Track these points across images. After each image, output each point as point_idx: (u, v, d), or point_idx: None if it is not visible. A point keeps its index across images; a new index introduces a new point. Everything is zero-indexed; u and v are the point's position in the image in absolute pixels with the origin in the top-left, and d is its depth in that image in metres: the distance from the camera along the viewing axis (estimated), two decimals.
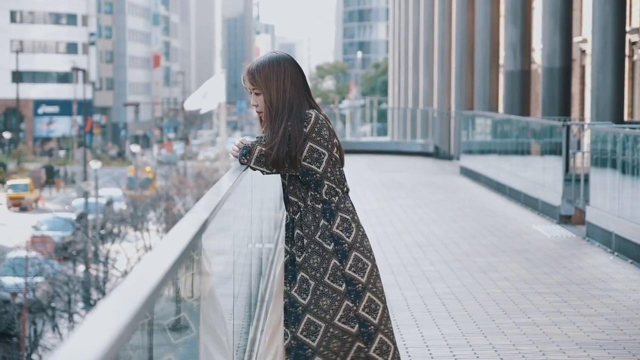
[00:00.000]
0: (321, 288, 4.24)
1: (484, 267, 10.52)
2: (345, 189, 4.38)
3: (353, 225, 4.32)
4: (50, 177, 71.46)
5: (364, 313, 4.26)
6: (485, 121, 21.87)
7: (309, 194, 4.32)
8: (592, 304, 8.64)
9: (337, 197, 4.33)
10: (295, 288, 4.29)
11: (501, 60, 26.68)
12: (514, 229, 13.70)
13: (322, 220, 4.28)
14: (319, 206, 4.30)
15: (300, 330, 4.24)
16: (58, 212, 52.26)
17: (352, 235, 4.29)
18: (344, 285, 4.25)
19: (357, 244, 4.30)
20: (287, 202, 4.42)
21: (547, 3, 20.27)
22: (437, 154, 29.74)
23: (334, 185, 4.33)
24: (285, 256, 4.40)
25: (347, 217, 4.31)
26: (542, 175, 15.96)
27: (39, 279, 31.36)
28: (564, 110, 20.37)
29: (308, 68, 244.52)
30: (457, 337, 7.44)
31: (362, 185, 19.49)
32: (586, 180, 13.94)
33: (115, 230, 41.84)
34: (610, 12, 17.39)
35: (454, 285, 9.51)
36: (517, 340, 7.34)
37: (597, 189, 12.72)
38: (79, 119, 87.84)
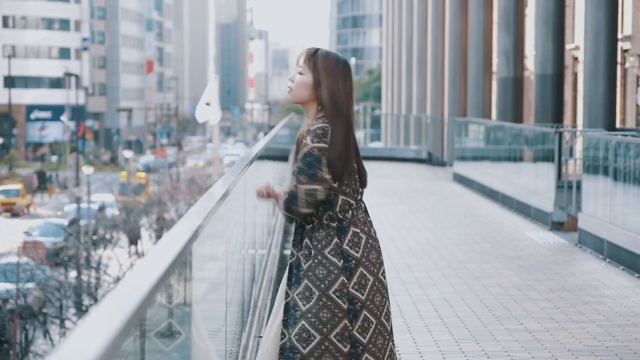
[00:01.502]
0: (324, 300, 4.22)
1: (477, 274, 10.52)
2: (359, 197, 4.35)
3: (363, 237, 4.29)
4: (42, 183, 71.32)
5: (356, 334, 4.24)
6: (478, 128, 21.91)
7: (326, 211, 4.28)
8: (584, 310, 8.65)
9: (350, 212, 4.30)
10: (298, 292, 4.26)
11: (494, 67, 26.73)
12: (507, 236, 13.71)
13: (335, 239, 4.27)
14: (334, 224, 4.29)
15: (294, 334, 4.23)
16: (50, 217, 52.14)
17: (360, 250, 4.27)
18: (347, 303, 4.24)
19: (364, 259, 4.27)
20: None
21: (540, 10, 20.32)
22: (430, 160, 29.76)
23: (348, 198, 4.31)
24: (290, 258, 4.37)
25: (358, 230, 4.28)
26: (534, 181, 15.98)
27: (30, 285, 31.27)
28: (557, 117, 20.41)
29: None
30: (449, 344, 7.44)
31: None
32: (578, 187, 13.97)
33: (108, 236, 41.77)
34: (602, 20, 17.44)
35: (447, 292, 9.51)
36: (509, 347, 7.34)
37: (589, 195, 12.74)
38: (72, 125, 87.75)
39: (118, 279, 33.21)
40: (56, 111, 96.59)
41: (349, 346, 4.22)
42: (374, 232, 4.36)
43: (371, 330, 4.25)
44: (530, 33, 26.00)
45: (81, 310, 31.99)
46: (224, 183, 4.81)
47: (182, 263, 2.93)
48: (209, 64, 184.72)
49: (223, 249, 4.63)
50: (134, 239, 42.37)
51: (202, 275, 3.80)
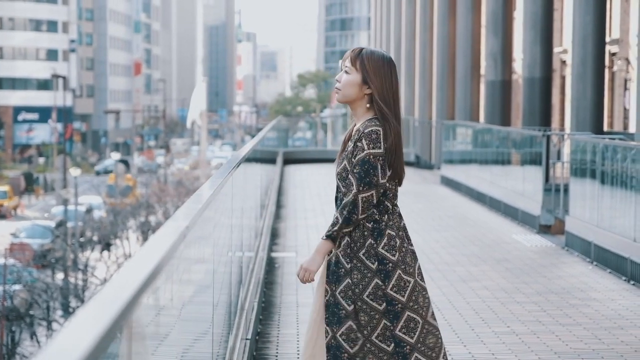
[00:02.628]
0: (359, 304, 4.25)
1: (464, 277, 10.53)
2: (396, 200, 4.38)
3: (398, 242, 4.32)
4: (30, 184, 71.13)
5: (400, 333, 4.26)
6: (466, 131, 21.94)
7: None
8: (571, 313, 8.67)
9: (386, 215, 4.32)
10: (340, 291, 4.28)
11: (482, 70, 26.77)
12: (494, 239, 13.73)
13: (370, 239, 4.28)
14: (370, 225, 4.29)
15: (340, 333, 4.26)
16: (37, 219, 52.00)
17: (397, 254, 4.29)
18: (384, 304, 4.26)
19: (401, 263, 4.30)
20: (340, 204, 4.36)
21: (528, 14, 20.37)
22: (418, 163, 29.79)
23: (387, 202, 4.34)
24: (328, 255, 4.36)
25: (394, 233, 4.31)
26: (522, 185, 16.01)
27: (17, 287, 31.17)
28: (544, 120, 20.46)
29: (290, 77, 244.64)
30: None
31: None
32: (566, 190, 14.00)
33: (95, 238, 41.67)
34: (590, 23, 17.49)
35: (434, 295, 9.52)
36: (496, 350, 7.35)
37: (576, 199, 12.77)
38: (59, 126, 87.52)
39: (105, 281, 33.14)
40: (44, 113, 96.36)
41: (392, 345, 4.25)
42: (408, 236, 4.40)
43: (418, 329, 4.29)
44: (519, 36, 26.06)
45: (68, 312, 31.91)
46: (212, 185, 4.80)
47: (169, 265, 2.93)
48: (196, 66, 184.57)
49: (210, 251, 4.62)
50: (106, 245, 41.90)
51: (189, 278, 3.79)
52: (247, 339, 6.68)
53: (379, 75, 4.34)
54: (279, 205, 17.80)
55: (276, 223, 15.22)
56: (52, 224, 45.49)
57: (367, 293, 4.26)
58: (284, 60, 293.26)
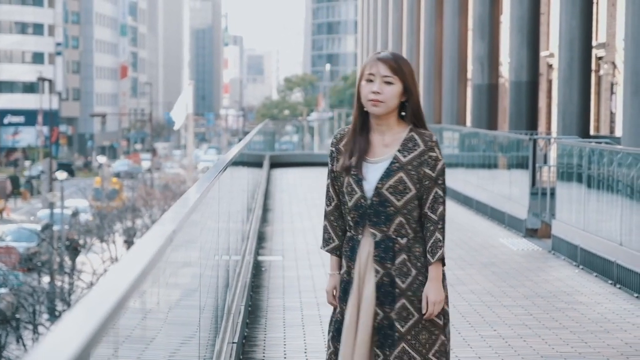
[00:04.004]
0: (423, 322, 4.13)
1: (451, 280, 10.54)
2: None
3: None
4: (16, 188, 70.93)
5: (449, 346, 4.27)
6: (453, 134, 21.97)
7: (419, 223, 4.12)
8: (558, 317, 8.69)
9: None
10: (394, 313, 4.12)
11: (469, 74, 26.83)
12: (481, 242, 13.75)
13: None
14: (422, 235, 4.15)
15: (393, 356, 4.12)
16: (23, 222, 51.83)
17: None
18: (442, 319, 4.20)
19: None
20: (388, 220, 4.11)
21: (515, 18, 20.42)
22: None
23: None
24: (376, 275, 4.09)
25: None
26: (508, 188, 16.04)
27: (3, 290, 31.07)
28: (531, 124, 20.51)
29: (276, 80, 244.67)
30: None
31: None
32: (552, 193, 14.03)
33: (81, 242, 41.52)
34: (576, 27, 17.55)
35: None
36: (483, 353, 7.36)
37: (563, 202, 12.80)
38: (45, 130, 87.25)
39: (91, 285, 33.06)
40: (29, 116, 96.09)
41: None
42: None
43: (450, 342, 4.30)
44: (505, 40, 26.13)
45: (54, 316, 31.81)
46: (198, 189, 4.79)
47: (155, 269, 2.92)
48: (183, 70, 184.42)
49: (197, 255, 4.61)
50: (74, 254, 41.45)
51: (175, 281, 3.78)
52: (233, 343, 6.66)
53: (414, 82, 4.18)
54: (265, 209, 17.79)
55: (263, 227, 15.21)
56: (38, 227, 45.34)
57: None
58: (271, 63, 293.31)
